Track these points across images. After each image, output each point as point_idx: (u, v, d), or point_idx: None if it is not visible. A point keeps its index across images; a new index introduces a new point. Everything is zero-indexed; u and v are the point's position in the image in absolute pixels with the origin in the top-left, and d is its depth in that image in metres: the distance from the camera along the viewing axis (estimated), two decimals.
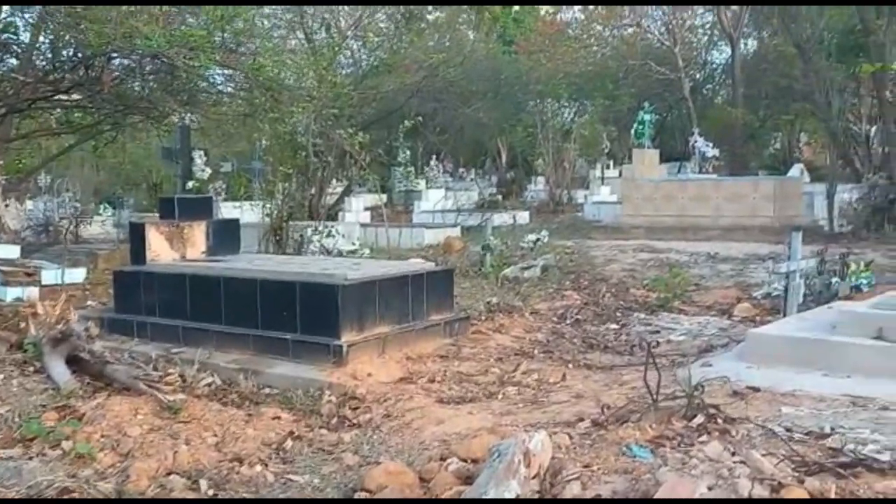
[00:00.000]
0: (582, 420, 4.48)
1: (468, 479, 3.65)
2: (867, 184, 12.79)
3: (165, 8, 9.28)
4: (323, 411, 5.00)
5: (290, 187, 11.99)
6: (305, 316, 5.92)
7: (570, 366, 6.33)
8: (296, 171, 11.56)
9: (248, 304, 6.21)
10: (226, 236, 7.83)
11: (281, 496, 3.91)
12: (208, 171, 10.83)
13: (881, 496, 2.96)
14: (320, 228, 12.17)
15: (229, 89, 12.67)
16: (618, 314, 8.68)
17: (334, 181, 22.17)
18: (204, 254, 7.65)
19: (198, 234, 7.60)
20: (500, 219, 17.21)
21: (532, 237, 13.46)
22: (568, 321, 8.27)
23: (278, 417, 4.90)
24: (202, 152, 10.65)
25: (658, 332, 7.74)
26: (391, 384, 5.50)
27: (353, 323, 5.87)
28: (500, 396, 5.40)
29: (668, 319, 8.41)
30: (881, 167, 12.84)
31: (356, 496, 3.71)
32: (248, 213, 12.48)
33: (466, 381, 5.77)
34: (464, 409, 5.06)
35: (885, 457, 3.47)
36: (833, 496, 2.91)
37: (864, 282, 7.92)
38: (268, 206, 11.59)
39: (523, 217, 18.74)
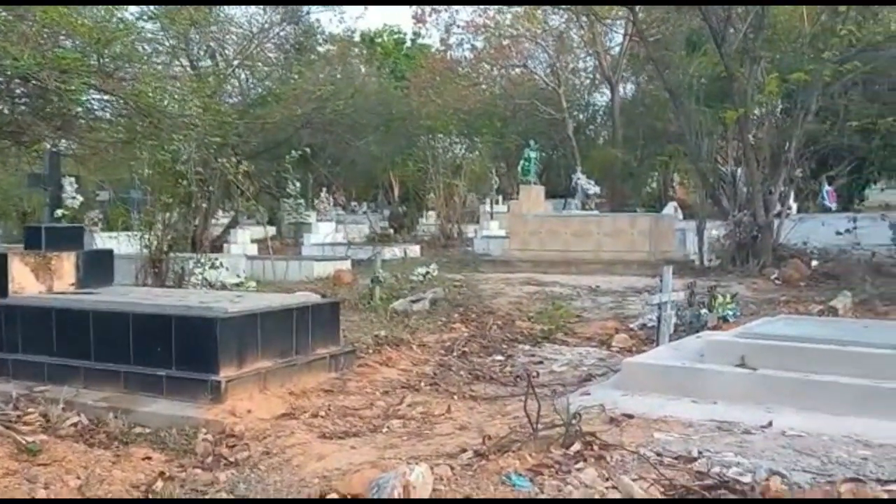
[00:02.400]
0: (464, 451, 4.50)
1: None
2: (733, 221, 13.62)
3: (37, 28, 8.82)
4: (198, 450, 4.78)
5: (170, 217, 11.57)
6: (181, 351, 5.68)
7: (456, 398, 6.36)
8: (177, 200, 11.15)
9: (120, 339, 5.90)
10: (98, 267, 7.44)
11: None
12: (79, 198, 10.28)
13: None
14: (203, 261, 11.78)
15: (107, 115, 12.15)
16: (504, 346, 8.83)
17: (220, 212, 21.61)
18: (73, 286, 7.23)
19: (66, 266, 7.18)
20: (391, 252, 17.23)
21: (422, 270, 13.54)
22: (455, 354, 8.33)
23: (149, 458, 4.65)
24: (73, 179, 10.10)
25: (541, 362, 7.91)
26: (272, 420, 5.34)
27: (232, 358, 5.67)
28: (384, 430, 5.35)
29: (551, 350, 8.63)
30: (745, 205, 13.71)
31: None
32: (125, 244, 11.90)
33: (351, 415, 5.68)
34: (347, 443, 4.97)
35: (747, 479, 3.67)
36: None
37: (730, 312, 8.41)
38: (146, 236, 11.13)
39: (414, 251, 18.83)
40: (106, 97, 11.25)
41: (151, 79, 10.61)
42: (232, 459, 4.66)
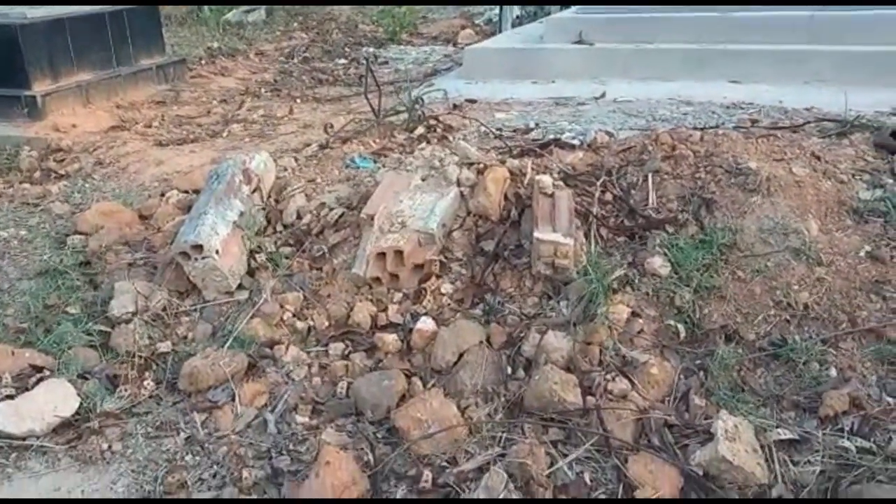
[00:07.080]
0: (309, 146, 4.45)
1: (190, 208, 3.53)
2: None
3: None
4: (23, 167, 4.48)
5: None
6: None
7: (299, 100, 6.20)
8: None
9: None
10: None
11: None
12: None
13: (570, 165, 3.30)
14: None
15: None
16: (347, 50, 8.54)
17: None
18: None
19: None
20: None
21: None
22: (296, 60, 8.01)
23: None
24: None
25: (386, 62, 7.73)
26: (101, 133, 5.03)
27: (44, 70, 5.13)
28: (224, 135, 5.19)
29: (397, 51, 8.43)
30: None
31: (70, 240, 3.46)
32: None
33: (187, 123, 5.44)
34: (185, 149, 4.80)
35: (577, 140, 3.86)
36: (530, 170, 3.19)
37: None
38: None
39: None
40: None
41: None
42: (62, 172, 4.41)
